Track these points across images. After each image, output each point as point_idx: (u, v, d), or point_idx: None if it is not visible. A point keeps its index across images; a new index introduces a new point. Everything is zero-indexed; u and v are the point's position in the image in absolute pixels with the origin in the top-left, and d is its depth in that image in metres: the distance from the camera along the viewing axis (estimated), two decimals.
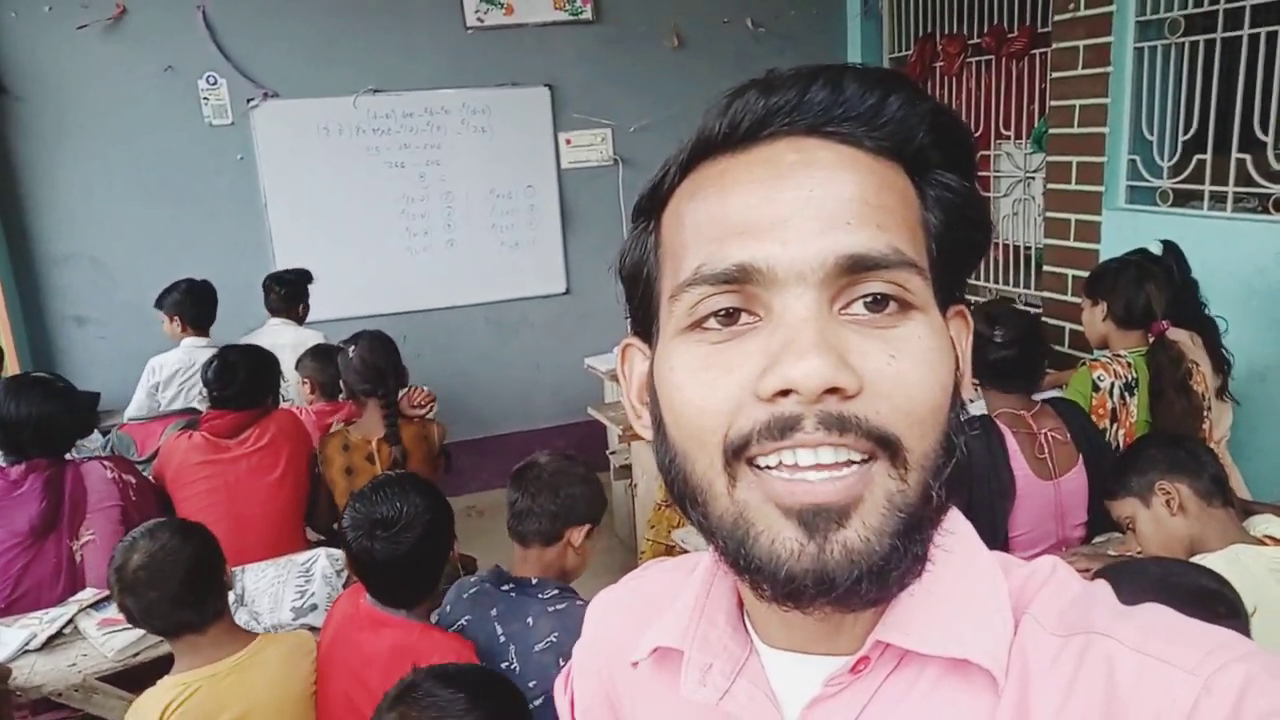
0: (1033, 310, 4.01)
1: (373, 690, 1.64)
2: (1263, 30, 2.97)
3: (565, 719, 0.82)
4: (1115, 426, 2.55)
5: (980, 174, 4.25)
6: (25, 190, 4.20)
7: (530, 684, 1.81)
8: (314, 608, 2.27)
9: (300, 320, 3.97)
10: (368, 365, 2.89)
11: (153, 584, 1.75)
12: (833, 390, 0.48)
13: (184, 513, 2.68)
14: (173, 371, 3.65)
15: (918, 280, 0.52)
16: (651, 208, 0.60)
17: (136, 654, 2.15)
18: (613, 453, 4.00)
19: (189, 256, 4.28)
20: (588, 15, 4.70)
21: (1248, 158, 3.07)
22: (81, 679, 2.08)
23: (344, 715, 1.84)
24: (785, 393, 0.48)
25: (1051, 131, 3.72)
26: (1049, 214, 3.81)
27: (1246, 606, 1.45)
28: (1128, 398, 2.57)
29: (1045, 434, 2.32)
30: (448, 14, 4.52)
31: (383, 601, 1.90)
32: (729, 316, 0.52)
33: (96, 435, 3.41)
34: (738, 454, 0.51)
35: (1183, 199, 3.34)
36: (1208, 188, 3.21)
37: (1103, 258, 3.30)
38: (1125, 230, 3.39)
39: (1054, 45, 3.65)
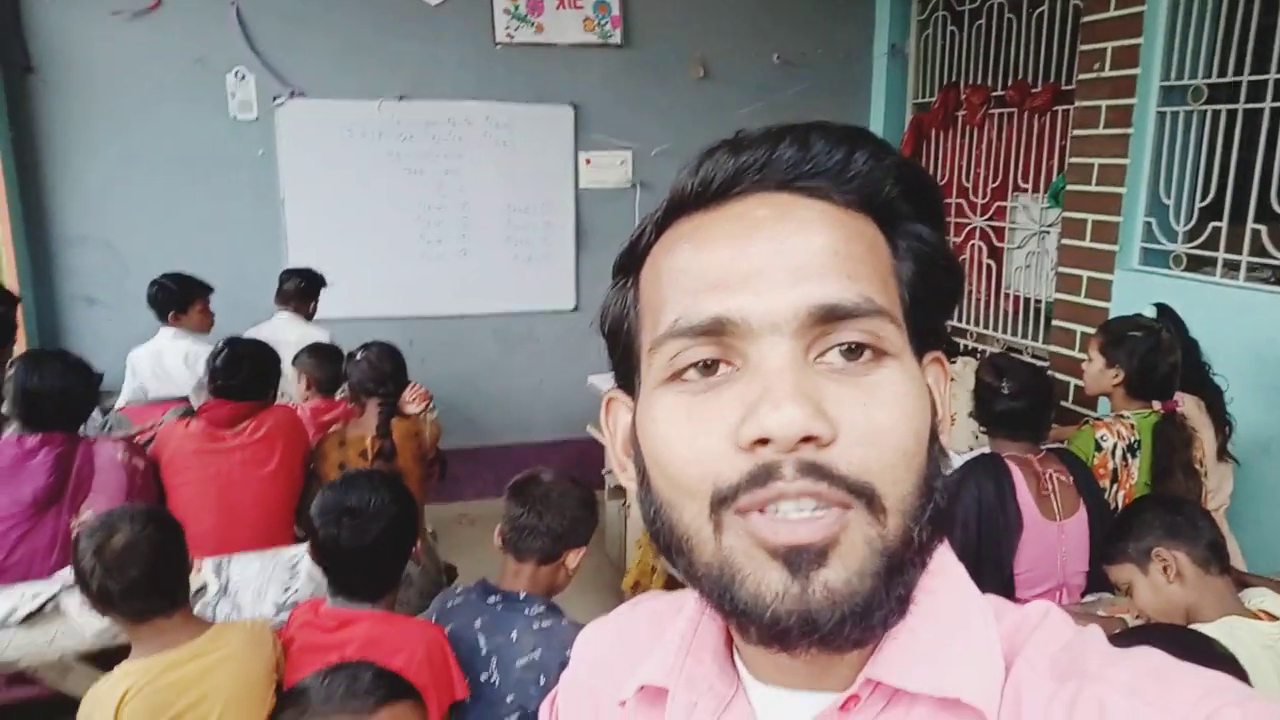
0: (1040, 363, 4.01)
1: None
2: None
3: None
4: (1115, 487, 2.54)
5: (996, 224, 4.35)
6: (45, 171, 4.24)
7: (508, 699, 1.81)
8: (297, 604, 2.25)
9: (309, 318, 3.98)
10: (375, 368, 2.99)
11: (135, 564, 1.75)
12: (809, 439, 0.49)
13: (176, 499, 2.68)
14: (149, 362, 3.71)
15: (891, 328, 0.53)
16: (630, 265, 0.62)
17: (116, 634, 2.14)
18: (608, 472, 3.99)
19: (202, 246, 4.32)
20: (617, 39, 4.74)
21: (1263, 229, 3.08)
22: (59, 656, 2.07)
23: None
24: (764, 441, 0.49)
25: (1069, 188, 3.74)
26: (1061, 269, 3.82)
27: None
28: (1129, 459, 2.56)
29: (1050, 474, 2.34)
30: (478, 28, 4.57)
31: (346, 594, 1.91)
32: (708, 368, 0.53)
33: (96, 414, 3.41)
34: (724, 503, 0.51)
35: (1196, 264, 3.35)
36: (1222, 255, 3.22)
37: (1112, 315, 3.30)
38: (1136, 290, 3.39)
39: (1077, 103, 3.67)
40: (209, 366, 2.81)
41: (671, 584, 1.97)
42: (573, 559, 2.00)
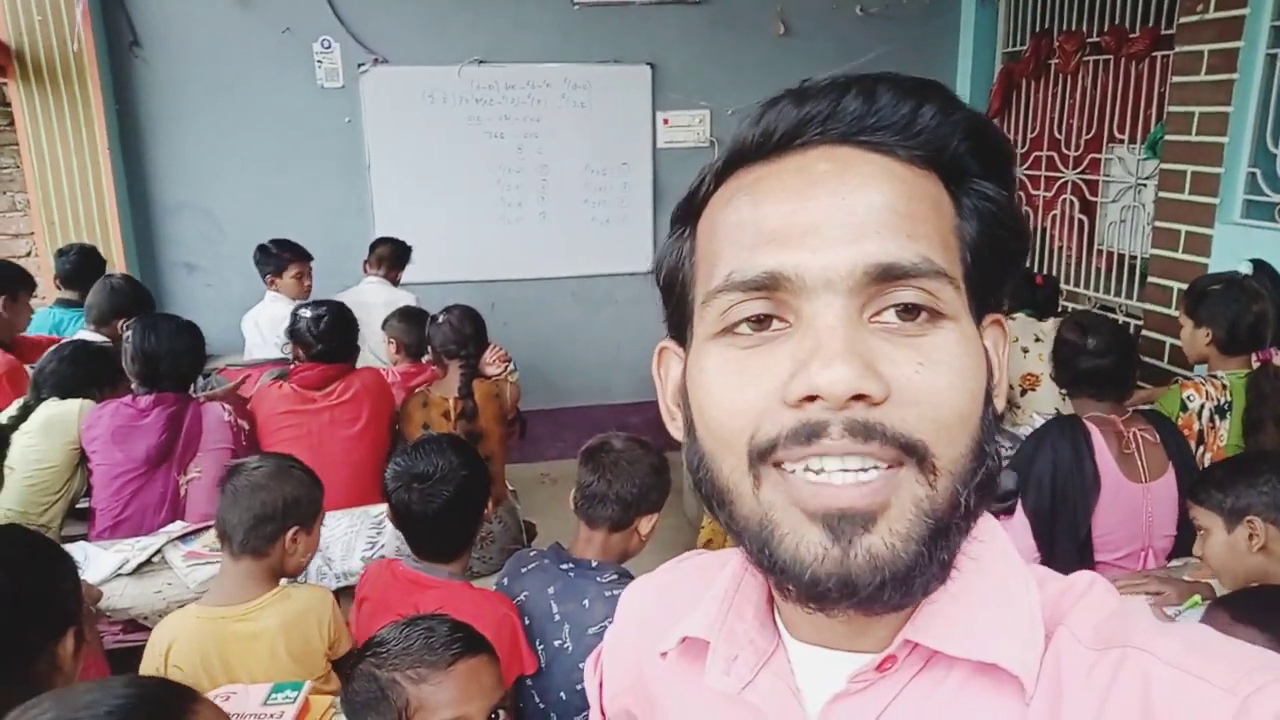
0: (1133, 323, 3.87)
1: None
2: None
3: (593, 700, 0.84)
4: (1201, 449, 2.45)
5: (1089, 177, 4.18)
6: (147, 142, 4.43)
7: (580, 665, 1.84)
8: (382, 558, 2.35)
9: (395, 283, 4.09)
10: (456, 330, 3.04)
11: (254, 503, 1.87)
12: (859, 397, 0.48)
13: None
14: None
15: (949, 290, 0.52)
16: (688, 215, 0.61)
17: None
18: None
19: (294, 213, 4.46)
20: None
21: None
22: (165, 605, 2.20)
23: None
24: (812, 398, 0.49)
25: (1167, 138, 3.56)
26: (1158, 223, 3.65)
27: None
28: (1217, 421, 2.46)
29: (1135, 434, 2.26)
30: None
31: (421, 554, 1.97)
32: (760, 322, 0.53)
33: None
34: (763, 457, 0.51)
35: None
36: None
37: (1211, 272, 3.16)
38: (1238, 245, 3.22)
39: (1177, 48, 3.48)
40: (291, 331, 2.92)
41: None
42: (645, 525, 2.00)
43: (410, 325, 3.54)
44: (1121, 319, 3.93)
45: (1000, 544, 0.59)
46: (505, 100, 4.65)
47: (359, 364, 3.07)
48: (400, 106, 4.57)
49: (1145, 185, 3.91)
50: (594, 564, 1.94)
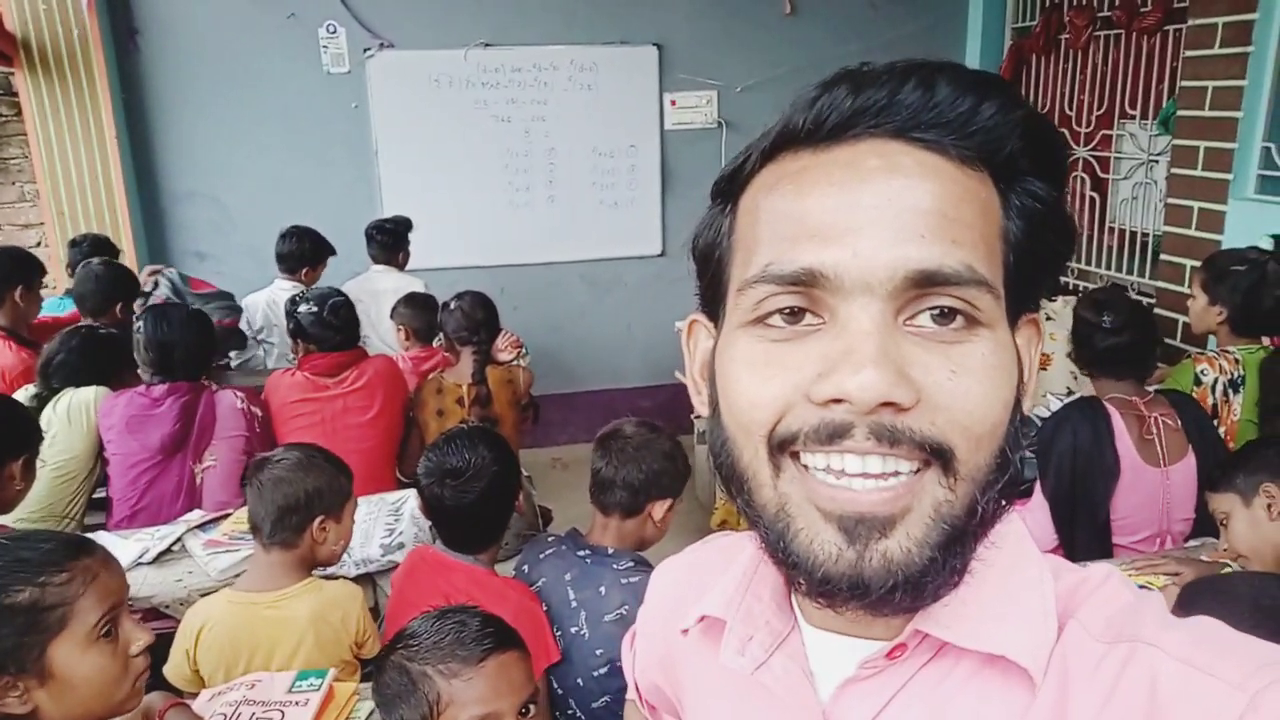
0: (1145, 300, 3.85)
1: None
2: None
3: (629, 673, 0.88)
4: (1215, 423, 2.44)
5: (1100, 154, 4.15)
6: (154, 130, 4.42)
7: (597, 651, 1.85)
8: (401, 546, 2.36)
9: (401, 267, 4.08)
10: (468, 316, 3.05)
11: (280, 495, 1.88)
12: (887, 404, 0.48)
13: None
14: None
15: (988, 298, 0.51)
16: (730, 191, 0.60)
17: (238, 574, 2.28)
18: (698, 417, 4.00)
19: (303, 201, 4.45)
20: None
21: None
22: (187, 594, 2.22)
23: None
24: (839, 400, 0.49)
25: (1180, 113, 3.53)
26: (1170, 200, 3.63)
27: None
28: (1231, 395, 2.46)
29: (1155, 418, 2.25)
30: None
31: (452, 546, 1.97)
32: (794, 315, 0.52)
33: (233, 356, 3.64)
34: (782, 447, 0.52)
35: None
36: None
37: (1225, 248, 3.13)
38: (1252, 222, 3.21)
39: (1190, 21, 3.45)
40: (294, 326, 2.92)
41: None
42: (659, 510, 1.99)
43: (416, 310, 3.54)
44: (1133, 297, 3.91)
45: (1017, 534, 0.59)
46: (512, 83, 4.63)
47: (370, 352, 3.08)
48: (407, 91, 4.56)
49: (1157, 161, 3.88)
50: (610, 551, 1.95)
